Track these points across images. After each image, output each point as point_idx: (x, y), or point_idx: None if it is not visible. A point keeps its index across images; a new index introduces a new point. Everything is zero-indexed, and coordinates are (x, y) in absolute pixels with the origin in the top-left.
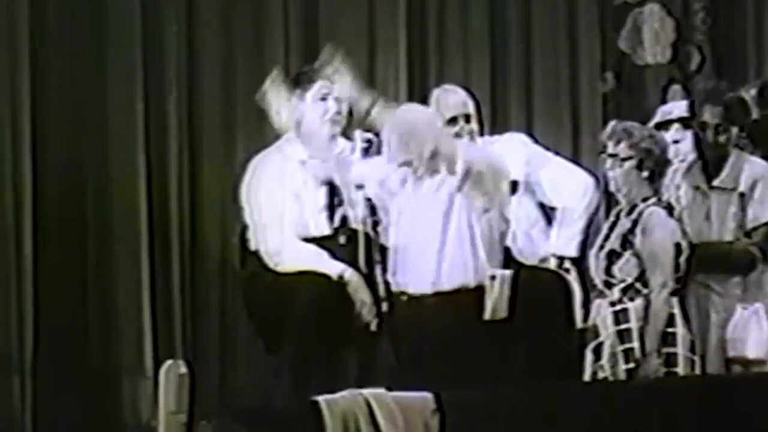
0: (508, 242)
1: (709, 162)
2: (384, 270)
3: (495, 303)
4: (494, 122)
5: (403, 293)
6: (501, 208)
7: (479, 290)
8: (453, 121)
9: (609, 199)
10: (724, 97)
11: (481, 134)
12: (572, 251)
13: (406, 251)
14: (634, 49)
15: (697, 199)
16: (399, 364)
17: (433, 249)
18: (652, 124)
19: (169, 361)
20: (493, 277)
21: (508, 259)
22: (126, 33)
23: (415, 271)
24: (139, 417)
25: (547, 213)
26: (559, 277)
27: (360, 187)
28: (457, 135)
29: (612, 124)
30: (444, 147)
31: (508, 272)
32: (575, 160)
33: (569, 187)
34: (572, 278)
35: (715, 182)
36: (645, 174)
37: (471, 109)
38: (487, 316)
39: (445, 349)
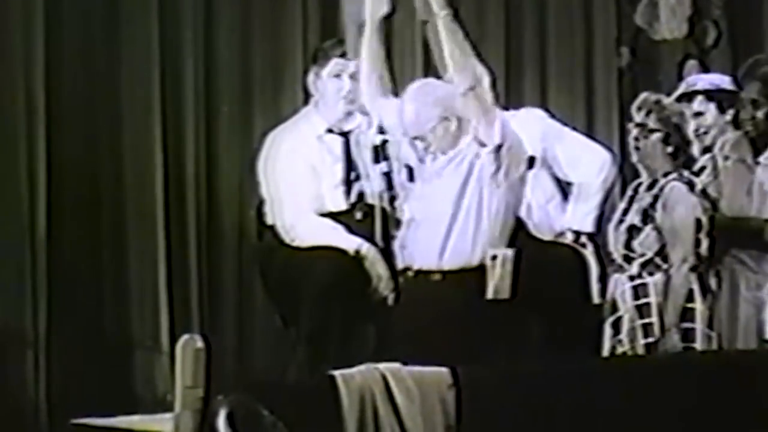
0: (525, 217)
1: (755, 138)
2: (397, 245)
3: (497, 283)
4: (509, 97)
5: (408, 269)
6: (517, 186)
7: (482, 269)
8: None
9: (625, 176)
10: (761, 71)
11: None
12: (588, 226)
13: (417, 226)
14: (650, 24)
15: (740, 173)
16: (407, 339)
17: (443, 225)
18: (675, 95)
19: (186, 336)
20: (494, 257)
21: (516, 236)
22: (142, 6)
23: (424, 246)
24: (155, 391)
25: (564, 188)
26: (576, 252)
27: (377, 161)
28: None
29: (644, 95)
30: (464, 120)
31: (510, 252)
32: (591, 135)
33: (586, 162)
34: (589, 253)
35: (761, 158)
36: (669, 149)
37: (485, 86)
38: (489, 295)
39: (459, 325)
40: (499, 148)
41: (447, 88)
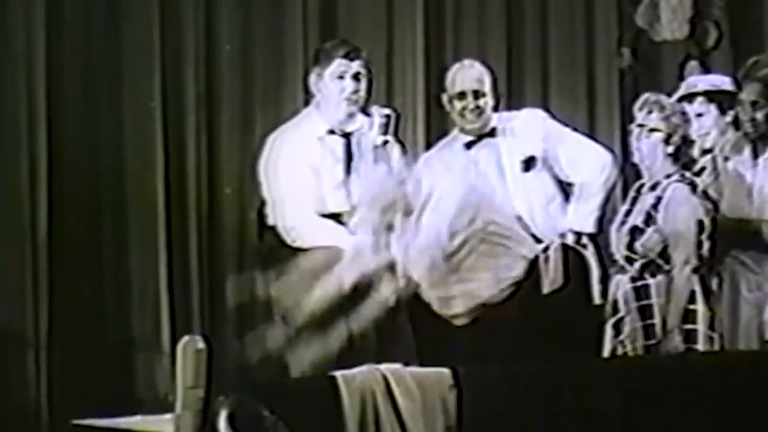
0: (527, 218)
1: (755, 139)
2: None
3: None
4: (510, 98)
5: None
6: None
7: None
8: (461, 95)
9: (626, 177)
10: (761, 73)
11: (497, 110)
12: (590, 227)
13: None
14: (651, 25)
15: (740, 175)
16: (416, 341)
17: None
18: (675, 96)
19: (187, 337)
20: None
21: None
22: (143, 7)
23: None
24: (156, 392)
25: (565, 189)
26: (577, 253)
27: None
28: (463, 109)
29: (646, 95)
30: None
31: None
32: (592, 136)
33: (587, 162)
34: (589, 254)
35: (761, 159)
36: (670, 149)
37: (485, 86)
38: (546, 290)
39: (463, 326)
40: None
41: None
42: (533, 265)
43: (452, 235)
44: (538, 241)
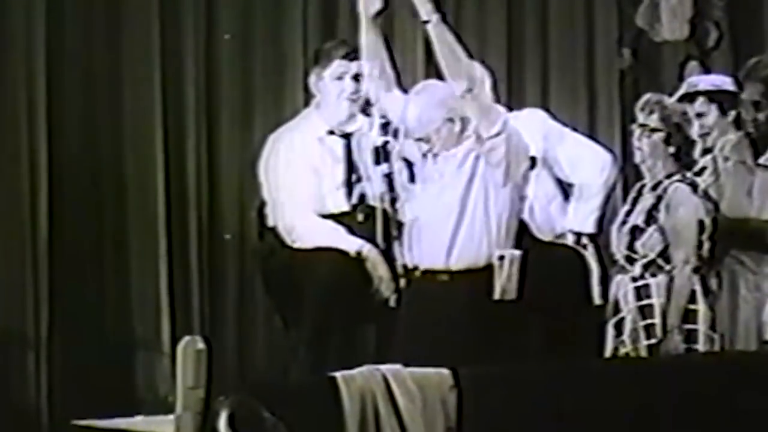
0: (527, 218)
1: (756, 139)
2: (402, 245)
3: (504, 284)
4: (511, 98)
5: (416, 268)
6: (520, 184)
7: (490, 269)
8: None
9: (626, 177)
10: (763, 73)
11: None
12: (590, 227)
13: (422, 226)
14: (651, 26)
15: (740, 175)
16: (412, 340)
17: (450, 225)
18: (676, 96)
19: (187, 337)
20: (501, 258)
21: (523, 236)
22: (143, 8)
23: (430, 246)
24: (157, 392)
25: (565, 189)
26: (577, 253)
27: (378, 162)
28: None
29: (647, 95)
30: (467, 121)
31: (517, 253)
32: (592, 136)
33: (587, 163)
34: (590, 254)
35: (762, 159)
36: (671, 149)
37: (485, 86)
38: (496, 296)
39: (460, 326)
40: (497, 135)
41: (449, 89)
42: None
43: None
44: (537, 240)
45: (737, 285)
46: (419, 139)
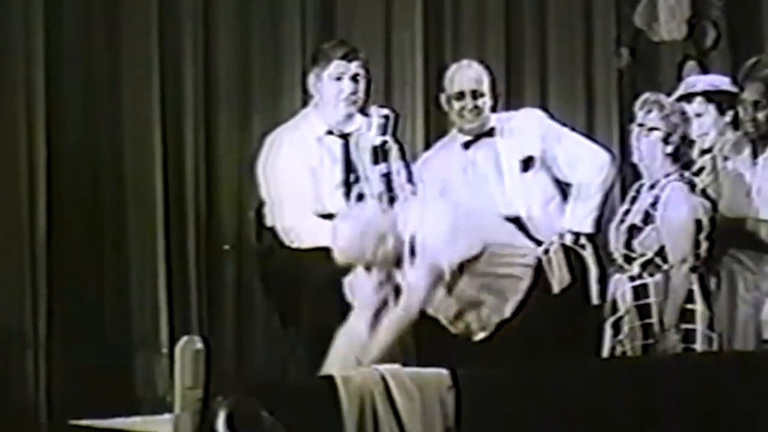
0: (525, 218)
1: (756, 139)
2: None
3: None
4: (509, 98)
5: None
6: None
7: None
8: (460, 96)
9: (624, 177)
10: (762, 73)
11: (495, 110)
12: (588, 227)
13: None
14: (649, 25)
15: (739, 175)
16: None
17: None
18: (674, 96)
19: (185, 337)
20: (546, 252)
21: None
22: (142, 7)
23: None
24: (155, 392)
25: (563, 189)
26: (575, 253)
27: (376, 162)
28: (462, 109)
29: (646, 94)
30: None
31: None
32: (590, 136)
33: (585, 163)
34: (588, 254)
35: (760, 159)
36: (669, 149)
37: (484, 86)
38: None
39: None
40: None
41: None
42: (539, 270)
43: (450, 265)
44: (538, 243)
45: (736, 284)
46: None
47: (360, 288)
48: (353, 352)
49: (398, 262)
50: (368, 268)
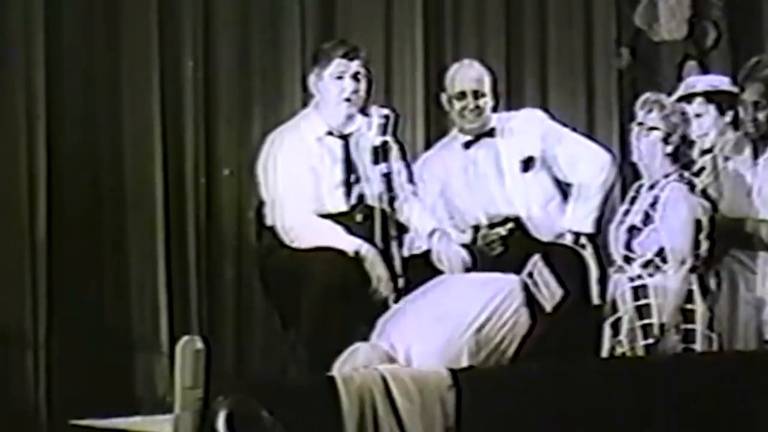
0: (525, 218)
1: (756, 139)
2: (400, 245)
3: (547, 294)
4: (510, 98)
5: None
6: None
7: None
8: (461, 95)
9: (625, 177)
10: (762, 73)
11: (496, 110)
12: (588, 227)
13: None
14: (649, 25)
15: (739, 175)
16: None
17: None
18: (674, 97)
19: (185, 337)
20: (530, 275)
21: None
22: (142, 7)
23: None
24: (155, 392)
25: (564, 189)
26: (575, 253)
27: (377, 162)
28: (462, 109)
29: (646, 94)
30: None
31: (537, 259)
32: (591, 136)
33: (585, 163)
34: (588, 254)
35: (761, 159)
36: (669, 149)
37: (485, 86)
38: (548, 309)
39: None
40: None
41: None
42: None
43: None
44: (539, 242)
45: (737, 285)
46: None
47: None
48: None
49: None
50: None
